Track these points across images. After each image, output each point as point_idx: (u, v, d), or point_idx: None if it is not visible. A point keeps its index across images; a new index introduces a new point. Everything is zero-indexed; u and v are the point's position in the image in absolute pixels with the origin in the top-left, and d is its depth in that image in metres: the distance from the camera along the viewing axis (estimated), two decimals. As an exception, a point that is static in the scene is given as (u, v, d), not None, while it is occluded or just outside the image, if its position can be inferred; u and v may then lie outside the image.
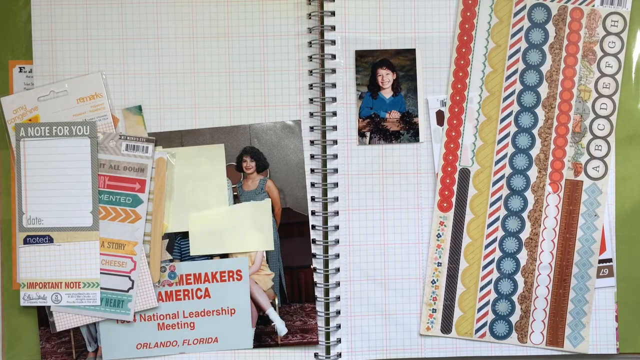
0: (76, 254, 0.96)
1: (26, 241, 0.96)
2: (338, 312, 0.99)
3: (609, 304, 1.00)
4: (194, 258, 0.99)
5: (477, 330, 1.00)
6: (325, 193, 1.00)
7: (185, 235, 0.99)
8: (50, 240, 0.96)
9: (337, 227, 1.00)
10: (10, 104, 0.98)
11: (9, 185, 0.99)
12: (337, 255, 0.99)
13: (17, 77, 1.00)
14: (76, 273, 0.97)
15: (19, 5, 0.99)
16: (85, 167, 0.96)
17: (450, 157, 0.99)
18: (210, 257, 0.99)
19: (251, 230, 0.99)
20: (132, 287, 0.97)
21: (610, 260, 1.00)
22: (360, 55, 0.99)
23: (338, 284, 1.00)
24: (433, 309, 1.00)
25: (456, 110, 0.99)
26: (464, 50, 0.99)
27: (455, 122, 0.99)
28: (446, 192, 1.00)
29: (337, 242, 0.99)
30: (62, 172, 0.96)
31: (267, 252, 1.00)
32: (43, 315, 0.98)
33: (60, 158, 0.96)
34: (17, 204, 0.96)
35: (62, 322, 0.98)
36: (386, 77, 0.99)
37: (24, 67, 1.00)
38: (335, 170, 1.00)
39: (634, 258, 1.00)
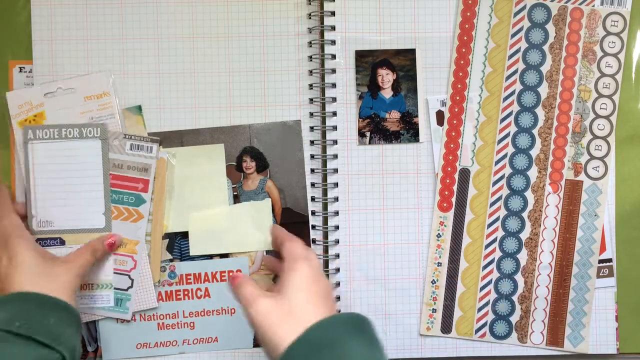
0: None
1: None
2: (337, 312, 0.99)
3: (609, 304, 1.00)
4: (193, 258, 0.99)
5: (477, 330, 1.00)
6: (325, 193, 1.00)
7: (185, 235, 0.99)
8: (62, 242, 0.96)
9: (337, 227, 1.00)
10: (16, 99, 0.97)
11: (9, 185, 0.99)
12: (337, 255, 0.99)
13: (17, 77, 0.99)
14: (90, 275, 0.97)
15: (19, 6, 0.99)
16: (96, 169, 0.96)
17: (450, 157, 0.99)
18: (210, 257, 0.99)
19: (251, 230, 0.99)
20: (131, 286, 0.97)
21: (610, 260, 1.00)
22: (361, 55, 0.99)
23: (338, 284, 1.00)
24: (433, 309, 1.00)
25: (456, 110, 0.99)
26: (464, 50, 0.99)
27: (455, 122, 0.99)
28: (446, 192, 0.99)
29: (337, 242, 0.99)
30: (72, 174, 0.96)
31: (267, 251, 0.99)
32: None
33: (70, 160, 0.96)
34: (27, 207, 0.96)
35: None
36: (386, 77, 0.99)
37: (24, 67, 0.99)
38: (335, 170, 1.00)
39: (634, 258, 1.00)
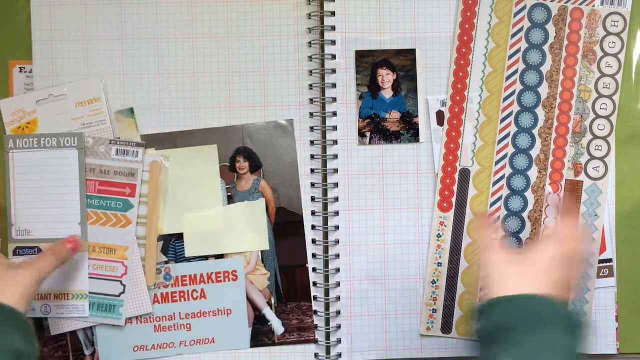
0: (64, 265, 0.93)
1: (15, 252, 0.96)
2: (338, 312, 0.99)
3: (609, 304, 1.00)
4: (189, 259, 0.98)
5: (477, 331, 1.00)
6: (325, 193, 0.99)
7: (180, 236, 0.98)
8: (39, 251, 0.95)
9: (337, 227, 0.99)
10: (9, 107, 0.97)
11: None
12: (337, 255, 0.99)
13: (17, 77, 0.99)
14: (64, 284, 0.96)
15: (19, 5, 0.99)
16: (73, 179, 0.96)
17: (450, 157, 0.99)
18: (206, 257, 0.99)
19: (246, 230, 0.99)
20: (123, 292, 0.97)
21: (610, 260, 1.00)
22: (361, 55, 0.99)
23: (338, 284, 0.99)
24: (433, 309, 0.99)
25: (456, 110, 0.99)
26: (464, 50, 0.99)
27: (455, 122, 0.99)
28: (446, 192, 0.99)
29: (337, 242, 0.99)
30: (50, 184, 0.96)
31: (262, 251, 0.99)
32: (38, 319, 0.97)
33: (48, 169, 0.96)
34: (7, 216, 0.96)
35: (56, 326, 0.97)
36: (386, 77, 0.99)
37: (24, 67, 0.99)
38: (335, 170, 0.99)
39: (634, 258, 1.00)
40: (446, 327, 0.99)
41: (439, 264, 0.99)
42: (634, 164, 1.00)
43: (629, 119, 1.00)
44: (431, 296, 0.99)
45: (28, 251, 0.96)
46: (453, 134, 0.99)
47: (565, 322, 0.75)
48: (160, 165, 0.97)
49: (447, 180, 0.99)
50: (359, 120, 0.99)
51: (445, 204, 0.99)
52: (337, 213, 0.99)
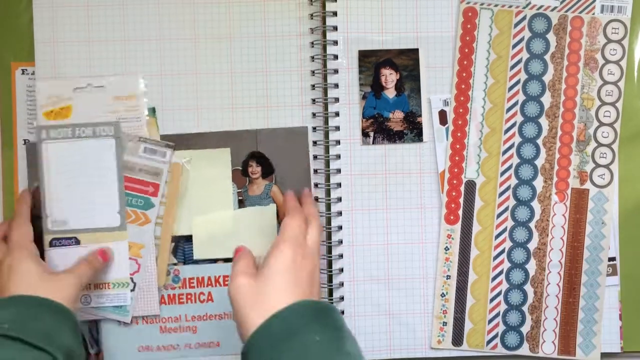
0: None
1: (52, 244, 0.96)
2: (342, 313, 0.99)
3: (612, 303, 1.00)
4: (197, 262, 0.98)
5: (489, 342, 0.99)
6: (328, 193, 0.99)
7: (188, 238, 0.98)
8: (77, 242, 0.96)
9: (340, 228, 0.99)
10: (46, 90, 0.97)
11: (12, 184, 0.99)
12: (341, 256, 0.99)
13: (19, 79, 0.99)
14: (105, 274, 0.96)
15: (21, 7, 0.99)
16: (110, 168, 0.96)
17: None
18: (214, 261, 0.99)
19: (255, 235, 0.98)
20: (133, 290, 0.97)
21: (614, 259, 0.99)
22: (364, 55, 0.99)
23: (342, 284, 0.99)
24: (443, 322, 0.99)
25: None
26: (465, 62, 0.98)
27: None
28: (452, 205, 0.99)
29: (340, 242, 0.99)
30: (86, 173, 0.96)
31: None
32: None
33: (84, 159, 0.96)
34: (42, 207, 0.96)
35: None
36: (389, 77, 0.99)
37: (26, 69, 0.99)
38: (339, 171, 0.99)
39: (638, 257, 1.00)
40: (457, 340, 0.99)
41: (448, 277, 0.99)
42: (637, 163, 1.00)
43: (631, 118, 0.99)
44: (441, 309, 0.99)
45: (65, 242, 0.95)
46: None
47: (312, 320, 0.74)
48: (181, 168, 0.97)
49: (453, 193, 0.99)
50: (362, 121, 0.99)
51: (452, 217, 0.99)
52: (340, 213, 0.99)
